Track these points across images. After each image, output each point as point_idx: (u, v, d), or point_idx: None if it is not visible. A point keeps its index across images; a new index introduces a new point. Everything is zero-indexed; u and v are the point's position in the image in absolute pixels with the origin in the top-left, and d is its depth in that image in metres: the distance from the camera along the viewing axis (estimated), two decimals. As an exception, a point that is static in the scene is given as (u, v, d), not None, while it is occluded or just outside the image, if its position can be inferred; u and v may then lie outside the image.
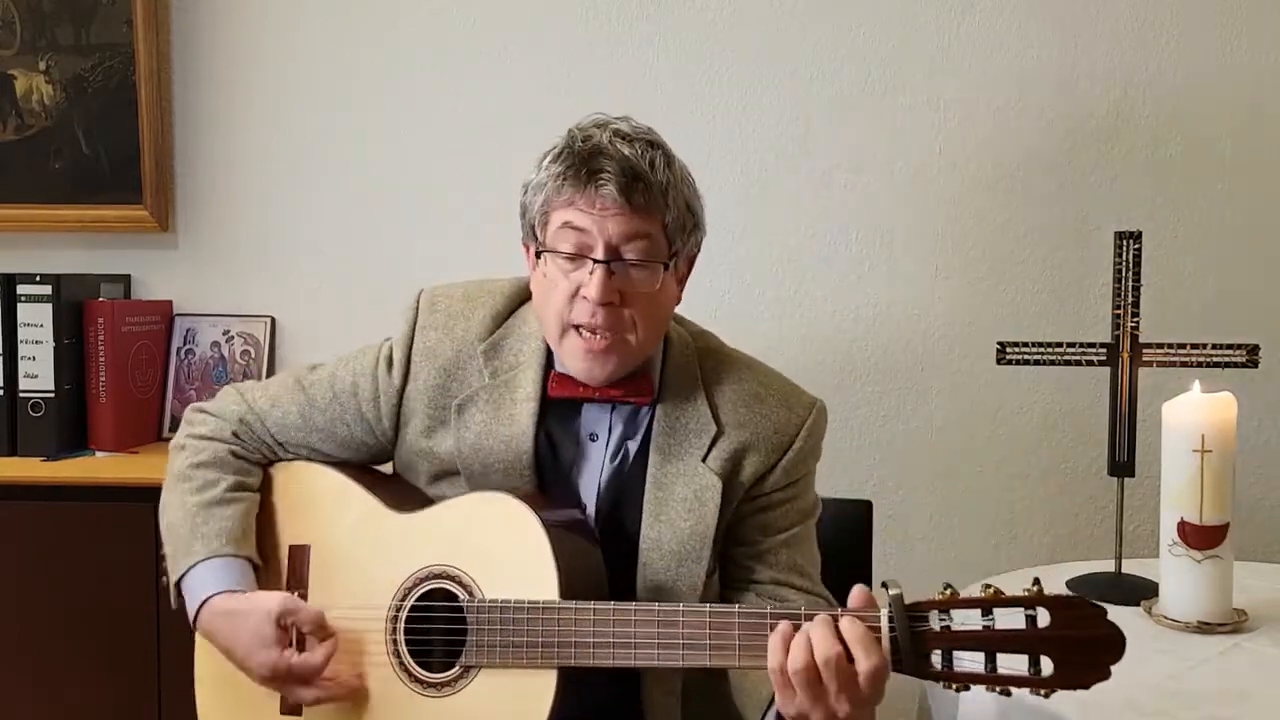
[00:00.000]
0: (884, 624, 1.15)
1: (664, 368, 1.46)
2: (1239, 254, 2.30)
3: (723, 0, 2.35)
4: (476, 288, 1.52)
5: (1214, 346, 1.83)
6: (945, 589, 1.15)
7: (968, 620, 1.13)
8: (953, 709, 1.54)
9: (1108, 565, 1.85)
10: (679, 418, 1.43)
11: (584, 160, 1.34)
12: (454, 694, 1.33)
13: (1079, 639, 1.12)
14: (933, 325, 2.35)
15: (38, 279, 2.26)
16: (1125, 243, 1.85)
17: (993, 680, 1.13)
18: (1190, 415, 1.62)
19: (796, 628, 1.18)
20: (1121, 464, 1.85)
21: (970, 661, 1.14)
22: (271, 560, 1.47)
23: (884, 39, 2.33)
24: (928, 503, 2.36)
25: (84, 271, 2.40)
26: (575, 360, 1.38)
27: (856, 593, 1.19)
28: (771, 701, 1.25)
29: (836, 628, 1.15)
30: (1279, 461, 2.32)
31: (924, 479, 2.37)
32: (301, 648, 1.36)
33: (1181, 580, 1.62)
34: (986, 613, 1.13)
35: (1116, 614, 1.66)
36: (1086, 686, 1.12)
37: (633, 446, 1.44)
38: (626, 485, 1.43)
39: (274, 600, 1.37)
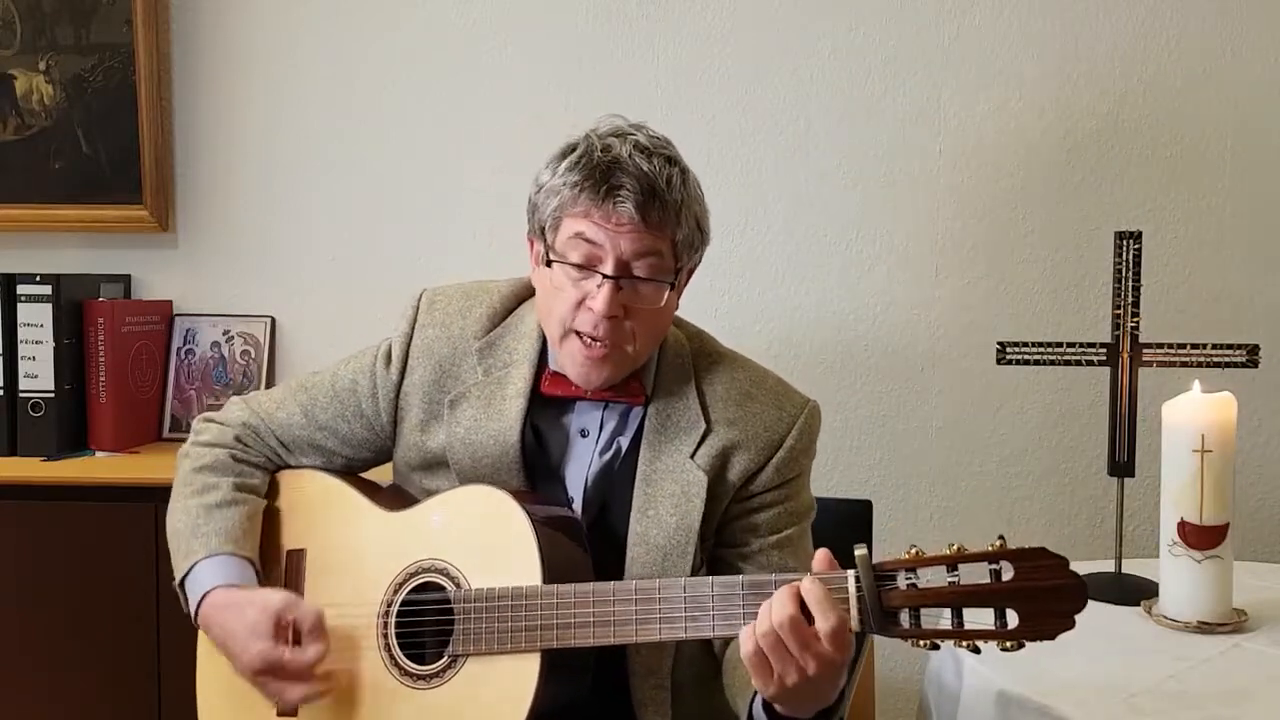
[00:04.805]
0: (851, 585, 1.16)
1: (658, 368, 1.47)
2: (1239, 254, 2.30)
3: (723, 0, 2.35)
4: (476, 287, 1.54)
5: (1214, 346, 1.83)
6: (911, 549, 1.16)
7: (934, 578, 1.15)
8: (953, 708, 1.54)
9: (1108, 565, 1.85)
10: (670, 415, 1.44)
11: (603, 173, 1.33)
12: (442, 684, 1.35)
13: (1042, 589, 1.12)
14: (933, 325, 2.35)
15: (38, 279, 2.26)
16: (1125, 243, 1.85)
17: (960, 635, 1.13)
18: (1190, 415, 1.62)
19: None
20: (1121, 464, 1.85)
21: (938, 619, 1.15)
22: (272, 565, 1.49)
23: (884, 39, 2.33)
24: (928, 503, 2.36)
25: (84, 271, 2.40)
26: (573, 364, 1.40)
27: (820, 556, 1.20)
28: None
29: (797, 592, 1.16)
30: (1279, 461, 2.32)
31: (924, 479, 2.37)
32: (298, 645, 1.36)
33: (1181, 580, 1.62)
34: (952, 569, 1.14)
35: (1116, 614, 1.69)
36: (1052, 637, 1.13)
37: (624, 442, 1.45)
38: (615, 481, 1.44)
39: (275, 596, 1.38)
